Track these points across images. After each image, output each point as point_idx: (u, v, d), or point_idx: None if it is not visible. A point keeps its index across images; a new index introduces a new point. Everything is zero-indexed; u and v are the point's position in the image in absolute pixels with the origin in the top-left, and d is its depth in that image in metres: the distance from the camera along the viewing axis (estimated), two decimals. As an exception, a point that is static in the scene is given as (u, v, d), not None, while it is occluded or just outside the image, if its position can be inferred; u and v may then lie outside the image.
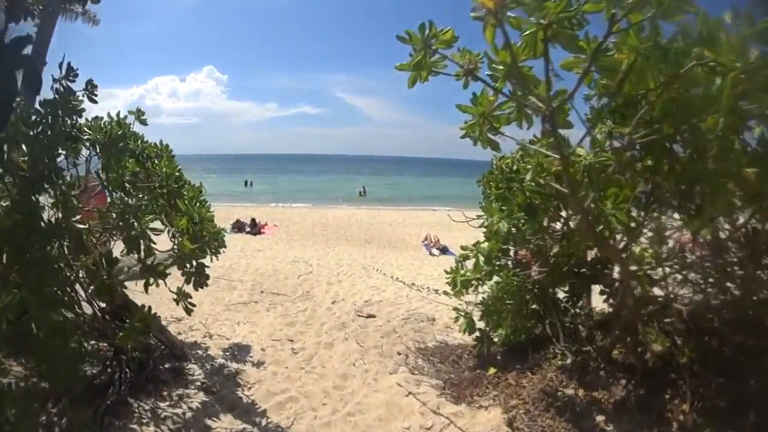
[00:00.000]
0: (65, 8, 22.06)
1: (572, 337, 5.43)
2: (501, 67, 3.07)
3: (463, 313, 5.47)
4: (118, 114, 4.88)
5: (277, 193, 45.19)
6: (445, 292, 10.14)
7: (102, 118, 4.73)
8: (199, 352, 6.47)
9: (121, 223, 3.58)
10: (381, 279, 11.41)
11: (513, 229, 4.12)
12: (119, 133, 4.01)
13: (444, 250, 16.41)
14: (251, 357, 6.36)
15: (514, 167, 5.29)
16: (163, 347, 5.98)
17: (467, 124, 3.18)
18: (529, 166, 4.13)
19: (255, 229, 19.13)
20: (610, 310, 5.46)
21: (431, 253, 16.01)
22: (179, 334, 7.06)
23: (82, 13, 23.38)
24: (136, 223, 3.47)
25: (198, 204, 4.43)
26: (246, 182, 54.93)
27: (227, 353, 6.45)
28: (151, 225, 3.87)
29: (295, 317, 8.11)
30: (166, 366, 5.76)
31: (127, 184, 4.05)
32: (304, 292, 9.81)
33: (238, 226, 19.25)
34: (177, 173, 4.38)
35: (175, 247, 4.25)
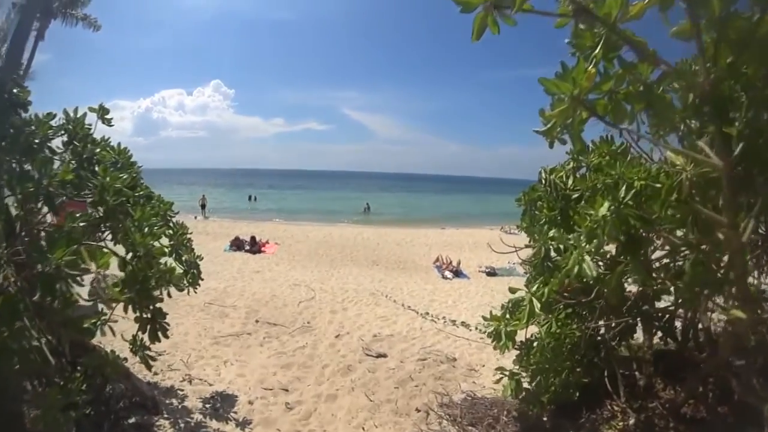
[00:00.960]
0: (65, 12, 21.33)
1: (623, 384, 4.26)
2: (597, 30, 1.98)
3: (507, 373, 4.24)
4: (75, 110, 3.85)
5: (281, 210, 44.19)
6: (464, 324, 9.13)
7: (53, 115, 3.69)
8: (174, 402, 5.36)
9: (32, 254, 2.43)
10: (391, 307, 10.28)
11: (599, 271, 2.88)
12: (50, 131, 2.89)
13: (457, 273, 15.23)
14: (236, 412, 5.19)
15: (570, 182, 4.20)
16: (131, 395, 4.88)
17: (555, 111, 2.02)
18: (608, 180, 3.01)
19: (255, 247, 18.03)
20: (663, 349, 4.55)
21: (444, 276, 14.82)
22: (155, 374, 5.99)
23: (83, 18, 22.68)
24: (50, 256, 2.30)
25: (147, 230, 3.14)
26: (250, 197, 54.22)
27: (207, 406, 5.29)
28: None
29: (292, 356, 6.96)
30: (131, 421, 4.66)
31: (56, 198, 2.90)
32: (304, 323, 8.69)
33: (237, 244, 18.17)
34: (118, 185, 3.05)
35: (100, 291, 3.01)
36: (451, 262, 15.92)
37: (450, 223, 34.56)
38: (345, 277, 13.83)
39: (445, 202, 66.95)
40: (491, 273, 15.75)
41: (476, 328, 8.72)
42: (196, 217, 30.39)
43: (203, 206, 32.62)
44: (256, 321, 8.69)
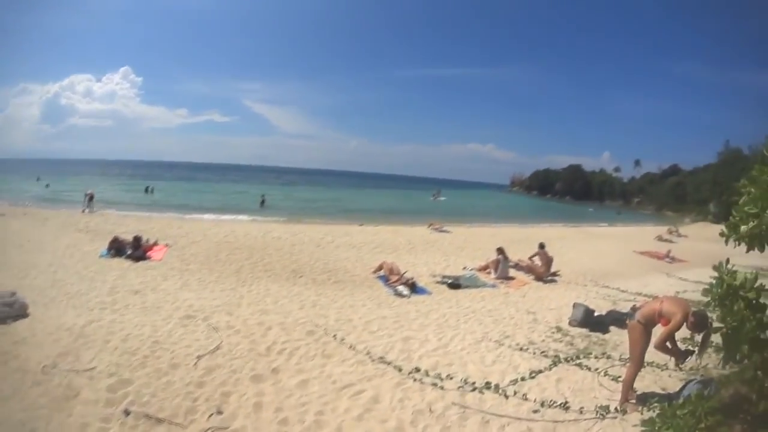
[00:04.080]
0: None
1: None
2: None
3: None
4: None
5: (177, 203, 39.82)
6: (489, 386, 5.55)
7: None
8: None
9: None
10: (350, 360, 6.74)
11: None
12: None
13: (413, 287, 11.80)
14: None
15: None
16: None
17: None
18: None
19: (138, 251, 13.45)
20: None
21: (398, 293, 11.34)
22: None
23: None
24: None
25: None
26: (147, 189, 50.53)
27: None
28: None
29: None
30: None
31: None
32: (211, 415, 4.91)
33: (116, 247, 13.51)
34: None
35: None
36: (404, 273, 12.43)
37: (366, 220, 31.40)
38: (261, 299, 9.91)
39: (354, 198, 64.34)
40: (455, 284, 12.49)
41: (515, 393, 5.71)
42: (84, 211, 25.73)
43: (91, 198, 27.88)
44: (126, 412, 4.82)
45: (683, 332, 5.39)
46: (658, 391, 5.99)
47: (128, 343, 6.61)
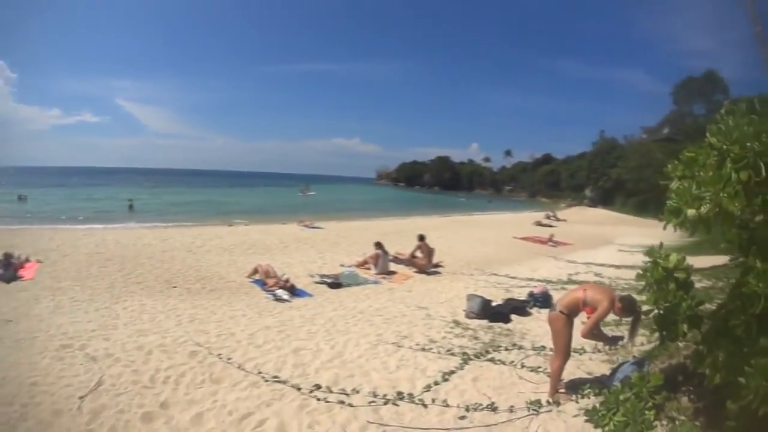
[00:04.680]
0: None
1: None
2: None
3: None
4: None
5: (50, 211, 36.74)
6: (402, 397, 4.95)
7: None
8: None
9: None
10: (242, 382, 5.90)
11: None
12: None
13: (292, 290, 11.10)
14: None
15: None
16: None
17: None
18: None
19: (9, 271, 11.53)
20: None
21: (278, 298, 10.57)
22: None
23: None
24: None
25: None
26: (20, 197, 47.38)
27: None
28: None
29: None
30: None
31: None
32: None
33: None
34: None
35: None
36: (281, 276, 11.69)
37: (234, 220, 30.19)
38: (137, 316, 8.71)
39: (222, 198, 62.45)
40: (335, 284, 12.00)
41: (433, 401, 5.37)
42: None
43: None
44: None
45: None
46: (584, 376, 5.94)
47: (4, 390, 5.42)
